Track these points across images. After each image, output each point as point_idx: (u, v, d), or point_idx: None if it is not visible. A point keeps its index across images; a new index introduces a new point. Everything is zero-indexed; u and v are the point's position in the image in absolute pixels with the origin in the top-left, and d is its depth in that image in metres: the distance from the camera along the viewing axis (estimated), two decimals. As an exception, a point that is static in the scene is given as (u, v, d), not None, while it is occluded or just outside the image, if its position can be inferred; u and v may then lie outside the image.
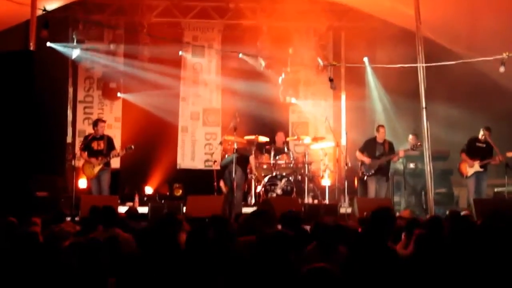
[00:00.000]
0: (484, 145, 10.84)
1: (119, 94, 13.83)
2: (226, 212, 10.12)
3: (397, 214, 9.54)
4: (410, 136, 11.84)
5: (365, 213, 8.73)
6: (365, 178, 11.05)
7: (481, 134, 10.84)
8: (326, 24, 13.70)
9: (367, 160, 10.89)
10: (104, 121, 11.16)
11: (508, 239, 4.65)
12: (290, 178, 11.55)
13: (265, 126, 13.06)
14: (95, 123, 10.87)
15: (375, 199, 10.70)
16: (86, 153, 10.64)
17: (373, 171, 10.87)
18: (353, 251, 4.52)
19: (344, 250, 4.76)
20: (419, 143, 10.85)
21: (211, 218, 5.40)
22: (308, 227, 6.00)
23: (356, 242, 4.83)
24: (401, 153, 10.92)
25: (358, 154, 11.11)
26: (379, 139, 11.02)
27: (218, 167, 11.70)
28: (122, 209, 9.84)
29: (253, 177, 11.69)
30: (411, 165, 12.10)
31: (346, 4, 13.33)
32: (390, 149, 11.00)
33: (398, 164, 12.01)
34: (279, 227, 6.69)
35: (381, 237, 4.76)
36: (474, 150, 10.89)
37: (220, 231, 4.86)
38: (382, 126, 11.24)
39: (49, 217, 6.61)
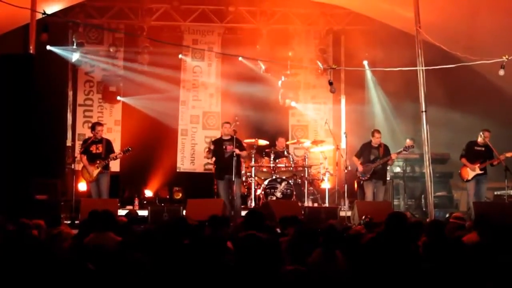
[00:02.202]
0: (483, 149, 10.83)
1: (118, 98, 13.82)
2: (226, 215, 10.09)
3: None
4: (407, 141, 11.86)
5: (364, 217, 8.75)
6: (361, 182, 11.07)
7: (480, 138, 10.83)
8: (326, 28, 13.71)
9: (360, 167, 10.91)
10: (102, 125, 11.15)
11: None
12: (290, 181, 11.54)
13: (265, 130, 13.08)
14: (93, 127, 10.87)
15: (374, 202, 10.70)
16: (85, 156, 10.63)
17: (368, 176, 10.87)
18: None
19: (340, 254, 4.76)
20: (411, 145, 10.88)
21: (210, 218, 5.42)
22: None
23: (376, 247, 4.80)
24: (394, 156, 10.93)
25: (354, 159, 11.12)
26: (374, 143, 11.02)
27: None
28: (122, 212, 9.87)
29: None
30: (411, 169, 12.12)
31: (346, 8, 13.34)
32: (385, 153, 10.98)
33: (397, 168, 12.03)
34: (278, 230, 6.72)
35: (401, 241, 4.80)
36: (474, 154, 10.88)
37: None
38: (377, 131, 11.18)
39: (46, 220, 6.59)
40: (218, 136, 11.39)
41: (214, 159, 11.15)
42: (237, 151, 10.81)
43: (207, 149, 11.43)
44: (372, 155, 10.95)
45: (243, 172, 11.81)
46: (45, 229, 5.88)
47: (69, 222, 9.35)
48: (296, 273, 3.15)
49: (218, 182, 11.03)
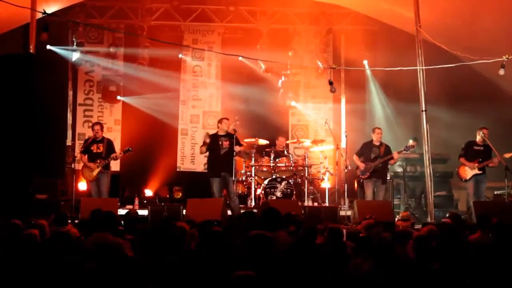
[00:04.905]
0: (482, 148, 10.79)
1: (119, 97, 13.83)
2: (226, 215, 10.07)
3: (397, 217, 9.58)
4: (410, 141, 11.85)
5: (367, 216, 8.73)
6: (361, 181, 11.05)
7: (479, 137, 10.80)
8: (326, 27, 13.71)
9: (360, 165, 10.88)
10: (98, 124, 10.99)
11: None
12: (290, 180, 11.53)
13: (265, 129, 13.08)
14: (92, 127, 10.93)
15: (375, 201, 10.67)
16: (86, 156, 10.63)
17: (368, 174, 10.84)
18: None
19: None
20: (412, 145, 10.83)
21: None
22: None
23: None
24: (396, 155, 10.76)
25: (355, 158, 11.10)
26: (376, 141, 10.98)
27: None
28: (122, 212, 9.87)
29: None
30: (411, 168, 12.11)
31: (346, 7, 13.35)
32: (386, 152, 10.93)
33: (397, 167, 12.02)
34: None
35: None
36: (473, 153, 10.83)
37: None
38: (378, 128, 11.19)
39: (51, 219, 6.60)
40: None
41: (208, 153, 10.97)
42: (237, 148, 10.73)
43: (202, 143, 11.04)
44: (373, 154, 10.93)
45: (242, 171, 11.85)
46: (50, 229, 5.89)
47: (69, 221, 9.34)
48: None
49: (213, 180, 10.56)
